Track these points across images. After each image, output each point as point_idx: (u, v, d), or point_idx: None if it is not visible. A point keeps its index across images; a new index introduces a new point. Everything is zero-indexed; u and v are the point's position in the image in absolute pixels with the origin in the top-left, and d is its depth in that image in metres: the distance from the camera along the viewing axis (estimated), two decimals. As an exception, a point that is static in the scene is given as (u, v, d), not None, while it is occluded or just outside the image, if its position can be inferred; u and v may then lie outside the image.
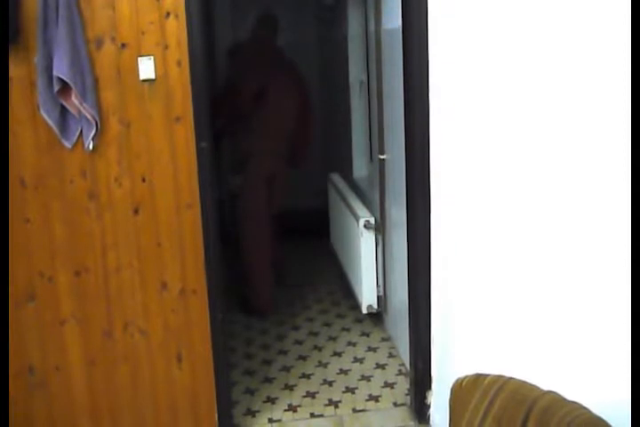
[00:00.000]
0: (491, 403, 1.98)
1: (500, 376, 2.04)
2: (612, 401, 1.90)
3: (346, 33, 4.72)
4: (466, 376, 2.10)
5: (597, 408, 1.84)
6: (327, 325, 4.42)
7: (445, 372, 3.03)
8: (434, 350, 3.17)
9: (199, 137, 2.83)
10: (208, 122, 2.85)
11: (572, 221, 2.08)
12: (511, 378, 2.03)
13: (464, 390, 2.07)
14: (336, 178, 5.13)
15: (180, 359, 3.06)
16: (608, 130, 1.89)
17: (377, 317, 4.39)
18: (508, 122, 2.40)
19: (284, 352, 4.07)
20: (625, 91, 1.76)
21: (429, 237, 3.05)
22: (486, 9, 2.46)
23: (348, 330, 4.34)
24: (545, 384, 1.99)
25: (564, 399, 1.90)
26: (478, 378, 2.06)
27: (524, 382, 2.02)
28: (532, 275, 2.33)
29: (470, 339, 2.79)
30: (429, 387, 3.24)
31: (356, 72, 4.70)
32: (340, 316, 4.55)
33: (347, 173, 5.08)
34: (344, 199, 4.59)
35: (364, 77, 4.49)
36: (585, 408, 1.83)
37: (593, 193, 1.98)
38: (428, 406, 3.28)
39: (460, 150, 2.73)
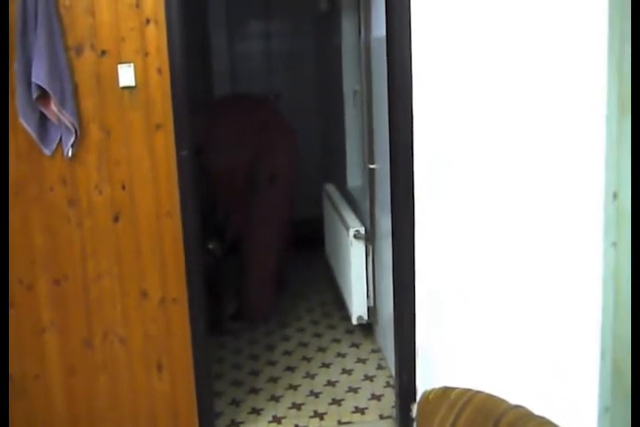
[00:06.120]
0: (457, 416, 1.94)
1: (468, 390, 2.01)
2: (579, 417, 1.88)
3: (340, 41, 4.71)
4: (433, 389, 2.07)
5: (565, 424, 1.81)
6: (317, 335, 4.39)
7: (431, 384, 2.99)
8: (419, 363, 3.14)
9: (179, 145, 2.82)
10: (189, 130, 2.84)
11: (555, 240, 2.07)
12: (479, 392, 2.00)
13: (431, 403, 2.04)
14: (330, 188, 5.11)
15: (160, 369, 3.04)
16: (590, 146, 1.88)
17: (368, 328, 4.35)
18: (493, 128, 2.39)
19: (272, 363, 4.04)
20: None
21: (414, 248, 3.02)
22: (469, 15, 2.46)
23: (338, 341, 4.30)
24: (524, 399, 1.96)
25: (532, 414, 1.86)
26: (445, 391, 2.02)
27: (492, 396, 1.98)
28: (517, 286, 2.31)
29: (456, 351, 2.76)
30: (414, 400, 3.20)
31: (349, 81, 4.69)
32: (330, 327, 4.51)
33: (341, 183, 5.06)
34: (337, 209, 4.57)
35: (358, 87, 4.47)
36: (552, 423, 1.79)
37: (580, 209, 1.97)
38: (413, 420, 3.23)
39: (444, 158, 2.71)
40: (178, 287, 2.96)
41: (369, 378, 3.83)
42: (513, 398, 1.96)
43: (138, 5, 2.69)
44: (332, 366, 3.98)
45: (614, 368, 1.91)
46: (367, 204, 4.12)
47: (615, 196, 1.96)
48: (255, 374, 3.92)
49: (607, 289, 1.92)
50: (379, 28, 3.54)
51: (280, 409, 3.54)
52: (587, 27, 1.97)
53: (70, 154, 2.76)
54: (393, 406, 3.48)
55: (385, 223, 3.69)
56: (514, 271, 2.32)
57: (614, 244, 1.95)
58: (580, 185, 2.05)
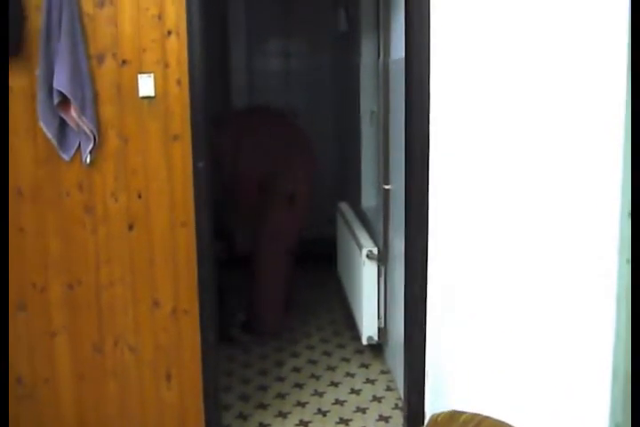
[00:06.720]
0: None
1: (476, 414, 2.01)
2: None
3: (359, 62, 4.75)
4: (441, 412, 2.07)
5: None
6: (327, 354, 4.37)
7: (440, 408, 2.97)
8: (428, 385, 3.11)
9: (196, 156, 2.85)
10: (206, 142, 2.86)
11: (570, 257, 2.07)
12: (487, 417, 1.99)
13: (439, 426, 2.03)
14: (344, 207, 5.12)
15: (169, 379, 3.04)
16: (606, 151, 1.89)
17: (378, 348, 4.33)
18: (510, 149, 2.40)
19: (281, 379, 4.02)
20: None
21: (426, 270, 3.01)
22: (489, 38, 2.47)
23: (347, 360, 4.28)
24: (536, 417, 1.95)
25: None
26: (454, 415, 2.03)
27: (501, 422, 1.97)
28: (531, 305, 2.30)
29: (465, 375, 2.74)
30: (422, 423, 3.18)
31: (367, 101, 4.71)
32: (340, 346, 4.49)
33: (355, 203, 5.07)
34: (350, 228, 4.57)
35: (375, 107, 4.50)
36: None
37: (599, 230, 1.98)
38: (421, 441, 3.21)
39: (460, 181, 2.72)
40: (190, 298, 2.97)
41: (377, 399, 3.80)
42: (524, 416, 1.94)
43: (160, 17, 2.74)
44: (340, 386, 3.95)
45: (627, 384, 1.89)
46: (381, 224, 4.12)
47: (630, 214, 1.96)
48: (263, 389, 3.90)
49: (621, 305, 1.92)
50: (398, 50, 3.57)
51: (287, 426, 3.51)
52: (606, 48, 1.99)
53: (88, 160, 2.80)
54: (400, 428, 3.46)
55: (398, 244, 3.68)
56: (528, 289, 2.31)
57: (628, 261, 1.95)
58: (596, 203, 2.06)
